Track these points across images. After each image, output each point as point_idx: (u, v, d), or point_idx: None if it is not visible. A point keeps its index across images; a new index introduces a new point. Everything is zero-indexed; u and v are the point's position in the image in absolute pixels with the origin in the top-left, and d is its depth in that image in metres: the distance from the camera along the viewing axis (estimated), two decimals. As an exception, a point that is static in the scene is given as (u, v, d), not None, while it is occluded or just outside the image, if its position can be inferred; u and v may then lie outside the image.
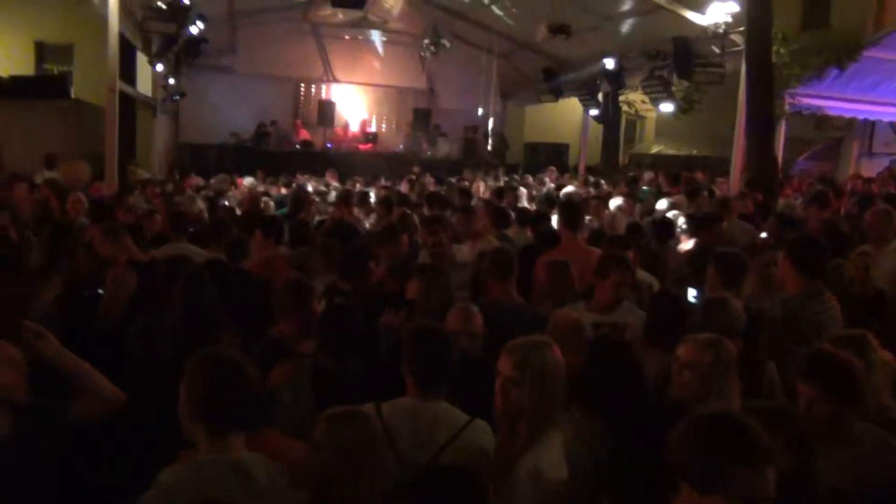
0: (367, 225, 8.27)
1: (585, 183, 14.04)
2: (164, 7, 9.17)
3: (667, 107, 13.84)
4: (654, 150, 22.79)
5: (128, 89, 11.61)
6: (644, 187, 13.19)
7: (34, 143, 13.48)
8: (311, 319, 4.01)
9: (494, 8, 14.02)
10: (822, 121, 13.87)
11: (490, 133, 17.77)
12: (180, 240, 6.24)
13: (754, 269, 4.94)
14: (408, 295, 4.54)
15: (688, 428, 1.97)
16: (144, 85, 15.68)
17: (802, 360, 2.77)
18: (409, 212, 7.24)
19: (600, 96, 15.90)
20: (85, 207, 7.13)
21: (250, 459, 2.34)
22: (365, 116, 18.77)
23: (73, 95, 15.98)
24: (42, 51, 21.11)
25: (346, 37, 17.27)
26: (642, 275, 5.21)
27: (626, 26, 13.09)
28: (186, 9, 9.57)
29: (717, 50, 11.65)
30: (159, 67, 11.33)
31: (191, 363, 2.47)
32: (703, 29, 11.52)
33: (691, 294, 4.66)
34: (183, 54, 11.04)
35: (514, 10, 13.34)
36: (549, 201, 9.49)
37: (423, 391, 2.74)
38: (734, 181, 11.49)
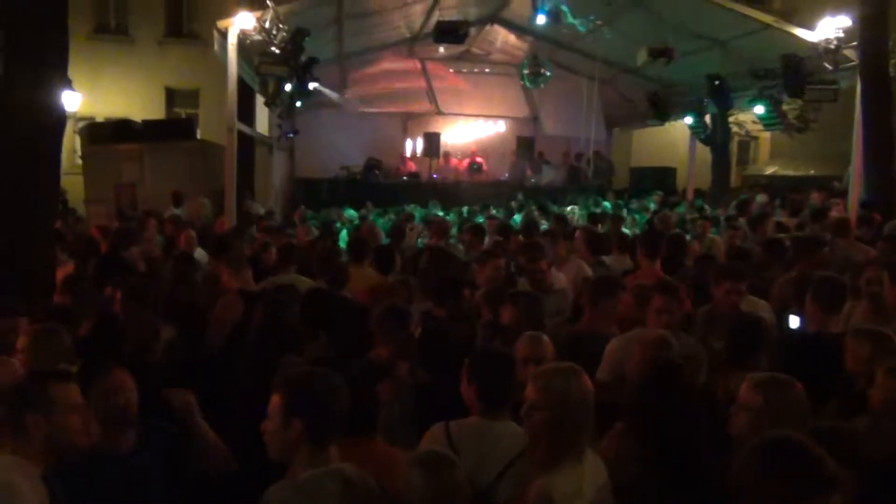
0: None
1: (692, 206, 13.81)
2: (277, 52, 9.73)
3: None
4: (769, 170, 22.03)
5: (246, 129, 12.37)
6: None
7: (165, 181, 14.53)
8: (409, 343, 4.24)
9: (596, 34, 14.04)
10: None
11: (592, 158, 17.66)
12: (288, 271, 6.52)
13: (864, 293, 4.75)
14: (502, 320, 4.69)
15: (752, 452, 1.99)
16: (262, 125, 16.66)
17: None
18: (502, 238, 7.39)
19: (707, 118, 15.59)
20: (195, 243, 7.64)
21: (351, 469, 2.38)
22: (470, 146, 19.11)
23: (198, 136, 17.18)
24: (172, 96, 22.84)
25: (451, 70, 17.71)
26: (751, 300, 5.12)
27: (731, 46, 12.80)
28: (299, 52, 10.11)
29: (829, 66, 11.23)
30: (275, 109, 12.02)
31: (283, 382, 2.60)
32: (814, 46, 11.15)
33: (794, 322, 4.54)
34: (296, 94, 11.64)
35: (613, 38, 13.32)
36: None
37: (486, 409, 2.86)
38: (853, 201, 10.99)
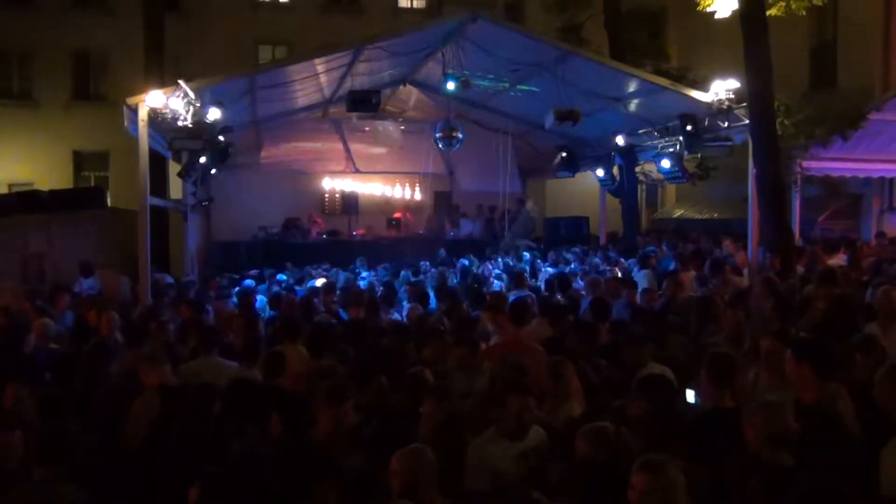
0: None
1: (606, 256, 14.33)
2: (190, 126, 9.70)
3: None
4: (677, 213, 22.97)
5: (159, 203, 12.18)
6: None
7: (74, 252, 14.11)
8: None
9: (510, 93, 14.54)
10: (835, 187, 14.04)
11: (519, 211, 18.12)
12: (211, 354, 6.42)
13: (764, 365, 5.03)
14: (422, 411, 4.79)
15: None
16: (176, 189, 16.44)
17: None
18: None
19: (615, 170, 16.23)
20: (116, 326, 7.44)
21: None
22: (388, 203, 19.31)
23: (108, 204, 16.82)
24: (80, 159, 22.31)
25: (367, 128, 17.92)
26: (657, 368, 5.38)
27: (633, 106, 13.47)
28: (211, 127, 10.09)
29: (722, 124, 11.95)
30: (189, 181, 11.91)
31: None
32: (708, 105, 11.85)
33: (690, 396, 4.77)
34: (211, 164, 11.58)
35: (523, 97, 13.84)
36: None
37: None
38: (753, 250, 11.63)
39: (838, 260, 11.58)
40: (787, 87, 13.21)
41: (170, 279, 13.30)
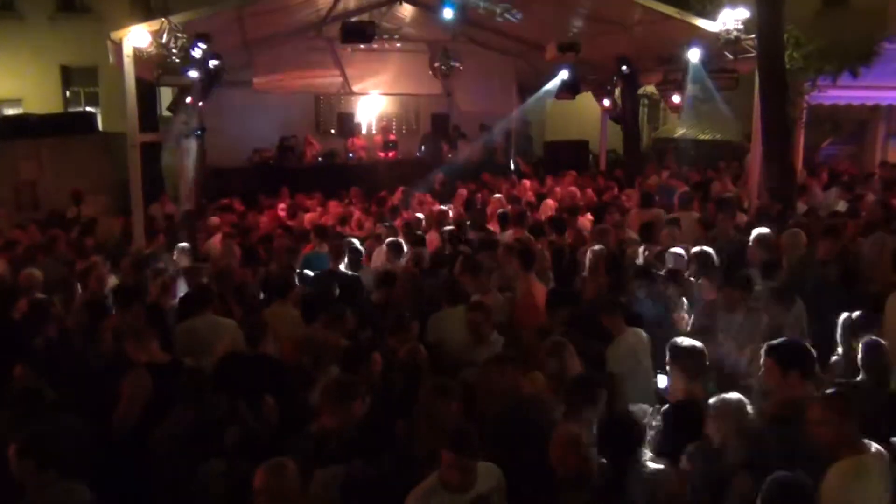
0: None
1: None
2: (177, 61, 9.35)
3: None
4: (678, 133, 22.55)
5: (151, 138, 11.89)
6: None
7: (66, 178, 13.95)
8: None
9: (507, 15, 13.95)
10: (837, 123, 13.79)
11: (512, 134, 17.80)
12: (205, 313, 6.33)
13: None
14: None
15: None
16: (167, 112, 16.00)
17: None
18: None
19: (617, 94, 15.82)
20: (105, 281, 7.34)
21: None
22: (384, 125, 18.90)
23: (100, 126, 16.49)
24: (68, 74, 21.67)
25: (361, 47, 17.34)
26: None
27: (637, 32, 12.97)
28: (199, 60, 9.71)
29: (729, 56, 11.55)
30: (180, 115, 11.58)
31: None
32: (715, 35, 11.42)
33: (661, 381, 4.79)
34: (200, 95, 11.21)
35: (524, 20, 13.29)
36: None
37: None
38: (752, 189, 11.47)
39: (834, 195, 11.48)
40: (799, 6, 12.73)
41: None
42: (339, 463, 4.00)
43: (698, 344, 4.52)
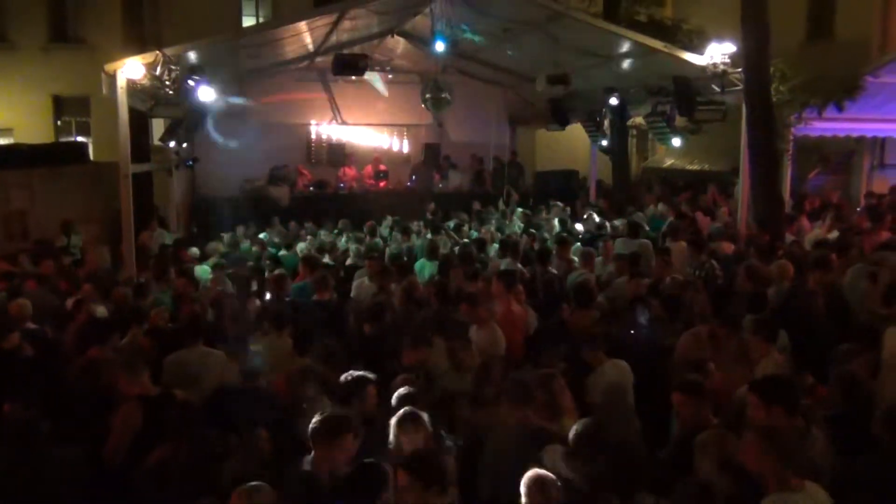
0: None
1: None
2: (171, 93, 9.41)
3: (675, 141, 13.90)
4: (667, 163, 22.77)
5: (142, 168, 11.92)
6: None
7: (57, 208, 13.89)
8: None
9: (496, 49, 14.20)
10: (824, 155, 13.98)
11: (504, 163, 17.94)
12: (196, 344, 6.30)
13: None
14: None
15: None
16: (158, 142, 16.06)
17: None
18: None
19: (606, 125, 15.99)
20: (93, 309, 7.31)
21: None
22: (375, 155, 19.01)
23: (91, 155, 16.48)
24: (60, 104, 21.70)
25: (353, 78, 17.53)
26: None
27: (626, 64, 13.16)
28: (192, 91, 9.77)
29: (717, 88, 11.72)
30: (171, 144, 11.62)
31: None
32: (702, 68, 11.58)
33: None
34: (193, 126, 11.27)
35: (514, 53, 13.50)
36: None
37: None
38: (741, 220, 11.57)
39: (824, 229, 11.58)
40: (784, 37, 12.91)
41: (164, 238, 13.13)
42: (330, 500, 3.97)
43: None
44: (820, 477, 3.86)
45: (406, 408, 4.46)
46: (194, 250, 10.87)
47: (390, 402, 4.96)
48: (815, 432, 4.17)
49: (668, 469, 4.22)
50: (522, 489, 3.63)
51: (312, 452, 4.28)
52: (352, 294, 8.52)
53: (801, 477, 3.49)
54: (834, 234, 10.16)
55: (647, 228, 11.58)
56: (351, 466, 4.15)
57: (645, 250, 9.88)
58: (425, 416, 4.39)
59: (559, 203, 14.89)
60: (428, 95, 11.88)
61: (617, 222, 12.52)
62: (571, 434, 4.23)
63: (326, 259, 10.38)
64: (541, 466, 4.08)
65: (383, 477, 3.75)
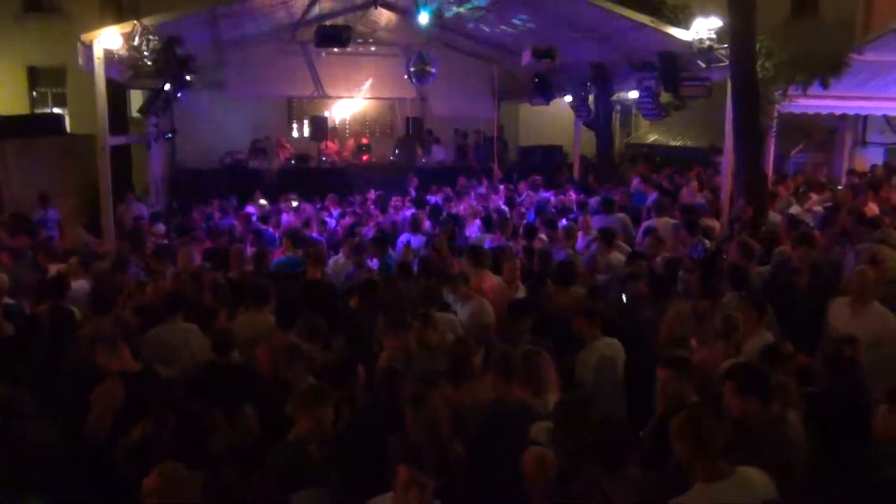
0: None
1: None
2: (149, 64, 9.21)
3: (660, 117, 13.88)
4: (650, 139, 22.76)
5: (120, 141, 11.71)
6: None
7: (32, 181, 13.64)
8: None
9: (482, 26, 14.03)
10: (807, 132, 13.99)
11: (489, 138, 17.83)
12: (175, 319, 6.22)
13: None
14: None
15: None
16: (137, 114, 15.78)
17: None
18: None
19: (591, 100, 15.91)
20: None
21: None
22: (357, 128, 18.83)
23: (68, 128, 16.15)
24: (35, 75, 21.27)
25: (335, 50, 17.29)
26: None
27: (611, 38, 13.05)
28: (173, 62, 9.57)
29: (702, 64, 11.67)
30: (150, 116, 11.40)
31: None
32: (689, 44, 11.52)
33: None
34: (172, 96, 11.04)
35: (501, 27, 13.34)
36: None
37: None
38: (726, 199, 11.58)
39: (812, 204, 11.66)
40: (770, 14, 12.85)
41: (144, 210, 12.93)
42: (318, 475, 3.94)
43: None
44: (793, 462, 3.87)
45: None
46: (160, 227, 10.72)
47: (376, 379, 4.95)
48: (790, 416, 4.13)
49: (652, 444, 4.22)
50: (523, 467, 3.60)
51: (296, 425, 4.27)
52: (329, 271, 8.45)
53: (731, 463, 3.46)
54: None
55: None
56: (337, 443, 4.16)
57: (623, 224, 9.99)
58: None
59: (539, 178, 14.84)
60: (412, 69, 11.71)
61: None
62: (555, 405, 4.23)
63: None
64: (524, 441, 4.08)
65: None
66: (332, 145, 18.35)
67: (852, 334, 5.10)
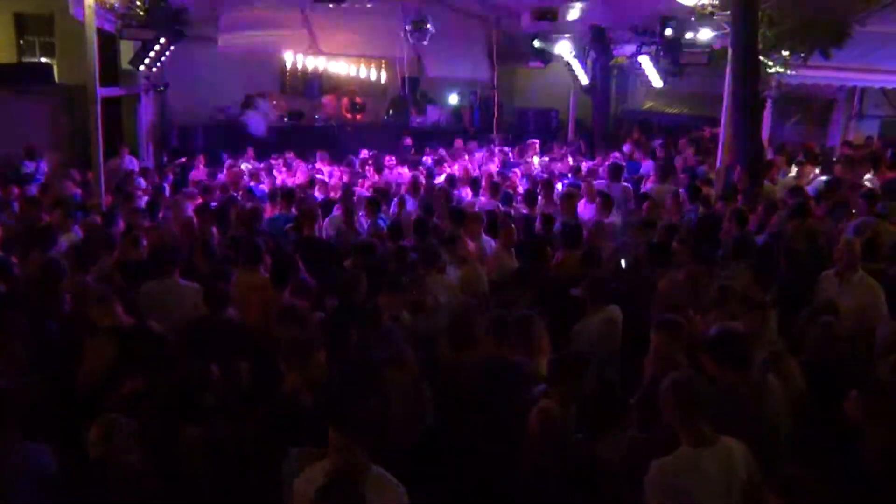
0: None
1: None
2: (141, 14, 9.00)
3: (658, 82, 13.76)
4: (647, 106, 22.57)
5: (111, 93, 11.49)
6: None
7: (21, 132, 13.43)
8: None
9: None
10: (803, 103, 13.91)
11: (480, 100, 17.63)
12: (171, 274, 6.13)
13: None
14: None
15: None
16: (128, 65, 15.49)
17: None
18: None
19: (589, 64, 15.76)
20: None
21: None
22: (352, 87, 18.57)
23: (56, 79, 15.82)
24: (22, 23, 20.72)
25: (330, 5, 16.96)
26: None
27: (613, 3, 12.88)
28: (163, 12, 9.36)
29: (705, 31, 11.53)
30: (141, 68, 11.17)
31: None
32: (691, 9, 11.37)
33: None
34: (163, 49, 10.82)
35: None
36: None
37: None
38: (722, 163, 11.52)
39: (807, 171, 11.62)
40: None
41: (134, 164, 12.77)
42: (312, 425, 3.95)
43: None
44: (776, 428, 3.88)
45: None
46: (140, 181, 10.60)
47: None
48: (771, 382, 4.09)
49: (643, 406, 4.23)
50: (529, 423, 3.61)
51: (287, 377, 4.27)
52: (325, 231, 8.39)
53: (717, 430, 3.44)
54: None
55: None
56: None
57: (626, 195, 9.95)
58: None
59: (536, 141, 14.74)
60: (408, 27, 11.51)
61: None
62: (549, 360, 4.25)
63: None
64: (518, 400, 4.10)
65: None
66: (325, 103, 18.12)
67: (832, 301, 5.11)
